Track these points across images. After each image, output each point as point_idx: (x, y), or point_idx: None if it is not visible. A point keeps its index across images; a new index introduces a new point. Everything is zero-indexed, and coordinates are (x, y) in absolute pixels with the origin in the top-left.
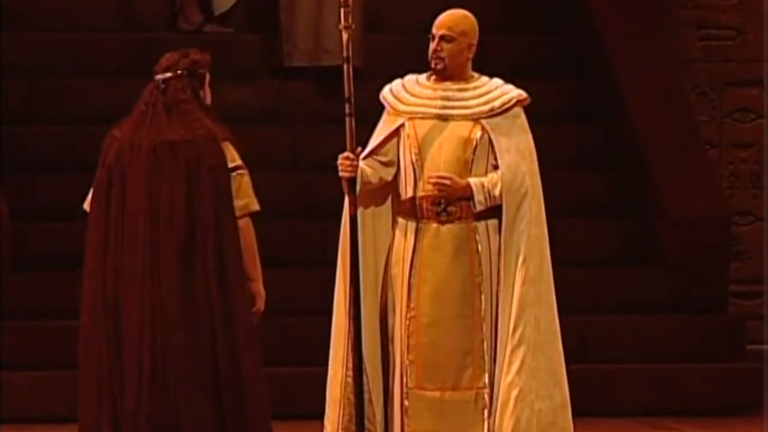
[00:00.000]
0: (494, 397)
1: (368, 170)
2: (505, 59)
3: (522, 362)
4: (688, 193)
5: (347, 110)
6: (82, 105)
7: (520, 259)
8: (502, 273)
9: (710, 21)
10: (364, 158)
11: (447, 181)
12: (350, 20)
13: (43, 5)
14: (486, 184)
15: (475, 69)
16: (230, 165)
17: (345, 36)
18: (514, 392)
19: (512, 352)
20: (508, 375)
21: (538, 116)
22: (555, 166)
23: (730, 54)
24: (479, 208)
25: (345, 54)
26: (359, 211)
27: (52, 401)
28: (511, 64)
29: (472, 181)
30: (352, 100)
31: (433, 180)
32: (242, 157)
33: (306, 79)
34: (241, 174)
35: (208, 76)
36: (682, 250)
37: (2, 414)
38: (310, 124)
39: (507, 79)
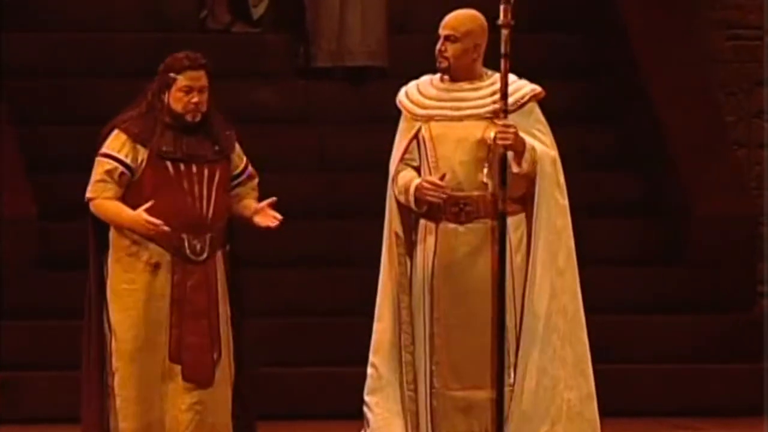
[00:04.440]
0: (518, 383)
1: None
2: (530, 58)
3: (554, 350)
4: (715, 193)
5: (502, 107)
6: (108, 105)
7: (550, 248)
8: (532, 261)
9: (738, 21)
10: (398, 167)
11: (512, 128)
12: (509, 17)
13: (69, 6)
14: (531, 150)
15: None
16: (100, 150)
17: (505, 33)
18: (545, 379)
19: (544, 338)
20: (541, 361)
21: (564, 115)
22: (581, 165)
23: (758, 54)
24: (525, 167)
25: (503, 51)
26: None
27: (75, 402)
28: (536, 63)
29: (528, 139)
30: (507, 98)
31: (499, 127)
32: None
33: (332, 79)
34: (96, 161)
35: (178, 82)
36: (709, 249)
37: (29, 413)
38: (337, 124)
39: (532, 79)
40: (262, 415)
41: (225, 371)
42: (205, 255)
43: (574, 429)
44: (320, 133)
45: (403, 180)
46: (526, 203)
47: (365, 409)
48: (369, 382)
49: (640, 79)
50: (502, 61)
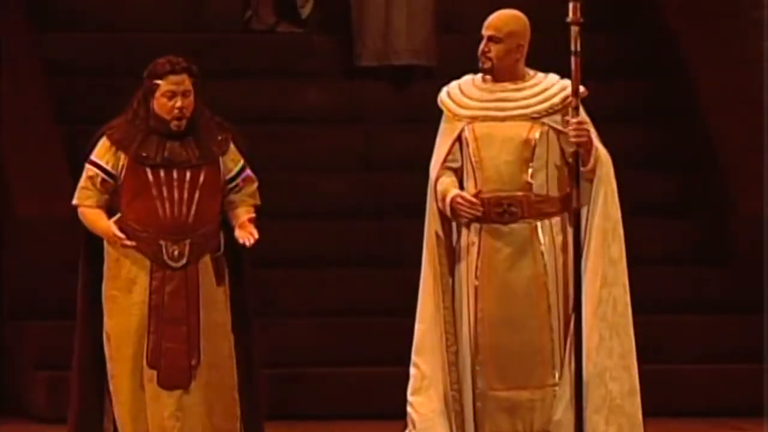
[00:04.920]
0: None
1: (454, 187)
2: (586, 58)
3: (600, 339)
4: (759, 192)
5: (573, 104)
6: None
7: (605, 237)
8: (586, 248)
9: None
10: (439, 171)
11: (585, 125)
12: (578, 14)
13: (116, 6)
14: (594, 146)
15: (549, 67)
16: (88, 156)
17: (575, 30)
18: (590, 366)
19: (593, 327)
20: (587, 348)
21: (610, 115)
22: (626, 164)
23: None
24: (591, 163)
25: (573, 48)
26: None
27: None
28: (584, 62)
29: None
30: (578, 93)
31: (572, 126)
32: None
33: (378, 79)
34: (84, 167)
35: (161, 87)
36: (753, 248)
37: None
38: (383, 124)
39: (587, 79)
40: (308, 415)
41: (207, 377)
42: (184, 261)
43: (613, 420)
44: (366, 133)
45: (441, 186)
46: (571, 203)
47: (409, 409)
48: (412, 382)
49: (685, 79)
50: (573, 59)
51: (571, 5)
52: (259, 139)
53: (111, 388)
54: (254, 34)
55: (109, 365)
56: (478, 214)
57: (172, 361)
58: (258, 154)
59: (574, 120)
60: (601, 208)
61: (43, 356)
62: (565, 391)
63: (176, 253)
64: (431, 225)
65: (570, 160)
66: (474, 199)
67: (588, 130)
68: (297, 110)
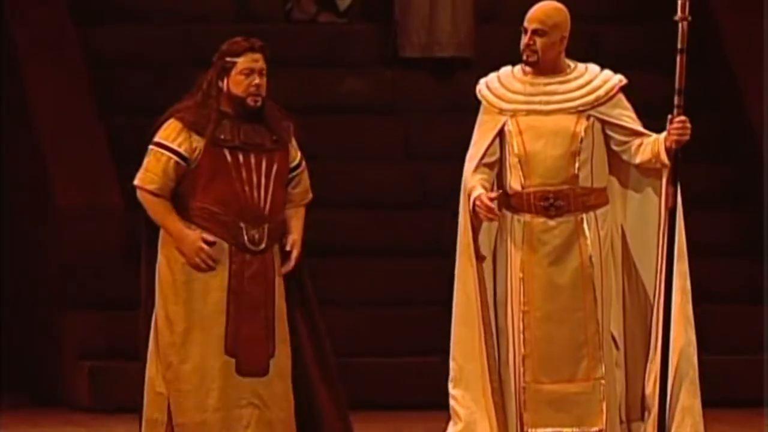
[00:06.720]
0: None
1: (487, 188)
2: (619, 50)
3: (685, 316)
4: None
5: (677, 102)
6: None
7: (682, 214)
8: (679, 223)
9: None
10: (476, 167)
11: (688, 123)
12: (686, 11)
13: None
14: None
15: (589, 59)
16: (154, 139)
17: (682, 26)
18: (689, 347)
19: (675, 299)
20: (676, 323)
21: (653, 108)
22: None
23: None
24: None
25: (680, 46)
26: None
27: None
28: (625, 54)
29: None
30: (683, 94)
31: (676, 125)
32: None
33: (419, 70)
34: (149, 150)
35: (238, 65)
36: None
37: (120, 403)
38: (424, 115)
39: (619, 70)
40: (350, 405)
41: (283, 366)
42: (263, 246)
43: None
44: (406, 123)
45: (471, 182)
46: (614, 195)
47: (452, 401)
48: (452, 375)
49: (729, 72)
50: (679, 56)
51: (679, 2)
52: (299, 128)
53: (170, 375)
54: (295, 24)
55: (167, 352)
56: (493, 219)
57: (250, 348)
58: (299, 144)
59: (678, 118)
60: (678, 191)
61: (85, 346)
62: (675, 374)
63: (257, 237)
64: (465, 218)
65: (617, 148)
66: (492, 205)
67: (690, 128)
68: (337, 100)
